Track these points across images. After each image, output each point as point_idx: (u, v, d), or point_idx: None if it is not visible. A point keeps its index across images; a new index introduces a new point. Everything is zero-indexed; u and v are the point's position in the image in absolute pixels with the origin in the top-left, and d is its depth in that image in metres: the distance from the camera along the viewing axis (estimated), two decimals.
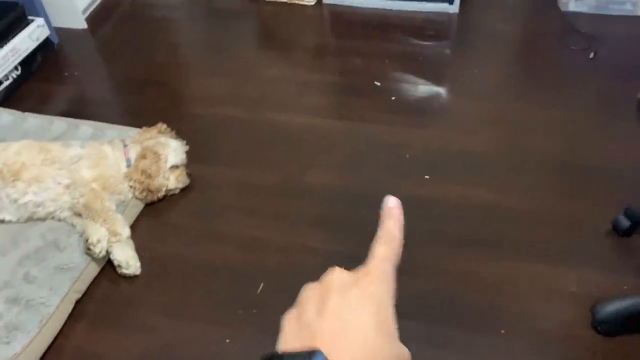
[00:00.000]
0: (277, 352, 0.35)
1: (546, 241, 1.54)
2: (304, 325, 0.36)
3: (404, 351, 0.37)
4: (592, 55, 2.18)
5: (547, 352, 1.31)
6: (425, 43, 2.32)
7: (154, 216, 1.70)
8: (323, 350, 0.33)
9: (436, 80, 2.13)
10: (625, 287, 1.42)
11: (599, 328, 1.32)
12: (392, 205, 0.44)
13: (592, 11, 2.40)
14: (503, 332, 1.34)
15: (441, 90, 2.10)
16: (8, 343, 1.27)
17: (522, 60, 2.28)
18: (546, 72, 2.15)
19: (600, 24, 2.34)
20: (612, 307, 1.33)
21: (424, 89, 2.10)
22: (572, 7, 2.41)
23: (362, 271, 0.39)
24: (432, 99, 2.07)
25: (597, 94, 2.02)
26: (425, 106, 2.03)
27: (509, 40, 2.36)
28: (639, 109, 1.94)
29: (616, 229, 1.54)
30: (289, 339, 0.36)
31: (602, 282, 1.44)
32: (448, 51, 2.34)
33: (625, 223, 1.52)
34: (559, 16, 2.41)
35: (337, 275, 0.39)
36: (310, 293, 0.39)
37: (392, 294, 0.39)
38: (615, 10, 2.38)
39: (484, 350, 1.31)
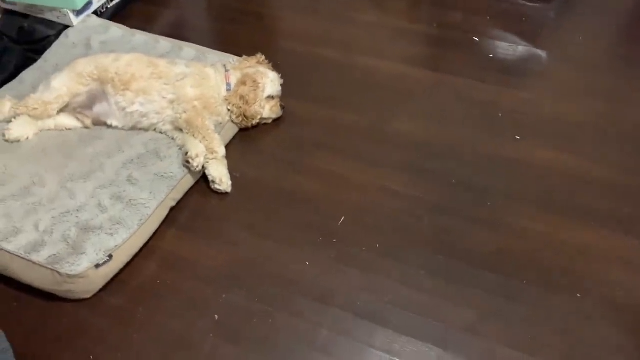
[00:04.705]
0: None
1: (634, 215, 1.51)
2: None
3: None
4: None
5: (620, 322, 1.30)
6: (530, 4, 2.25)
7: (246, 141, 1.77)
8: None
9: (537, 43, 2.07)
10: None
11: None
12: None
13: None
14: (578, 295, 1.34)
15: (541, 53, 2.04)
16: (111, 234, 1.39)
17: (630, 31, 2.17)
18: None
19: None
20: None
21: (523, 49, 2.05)
22: None
23: None
24: (531, 60, 2.02)
25: None
26: (522, 67, 1.99)
27: (619, 9, 2.25)
28: None
29: None
30: None
31: None
32: (553, 14, 2.25)
33: None
34: None
35: None
36: None
37: None
38: None
39: (557, 308, 1.32)
